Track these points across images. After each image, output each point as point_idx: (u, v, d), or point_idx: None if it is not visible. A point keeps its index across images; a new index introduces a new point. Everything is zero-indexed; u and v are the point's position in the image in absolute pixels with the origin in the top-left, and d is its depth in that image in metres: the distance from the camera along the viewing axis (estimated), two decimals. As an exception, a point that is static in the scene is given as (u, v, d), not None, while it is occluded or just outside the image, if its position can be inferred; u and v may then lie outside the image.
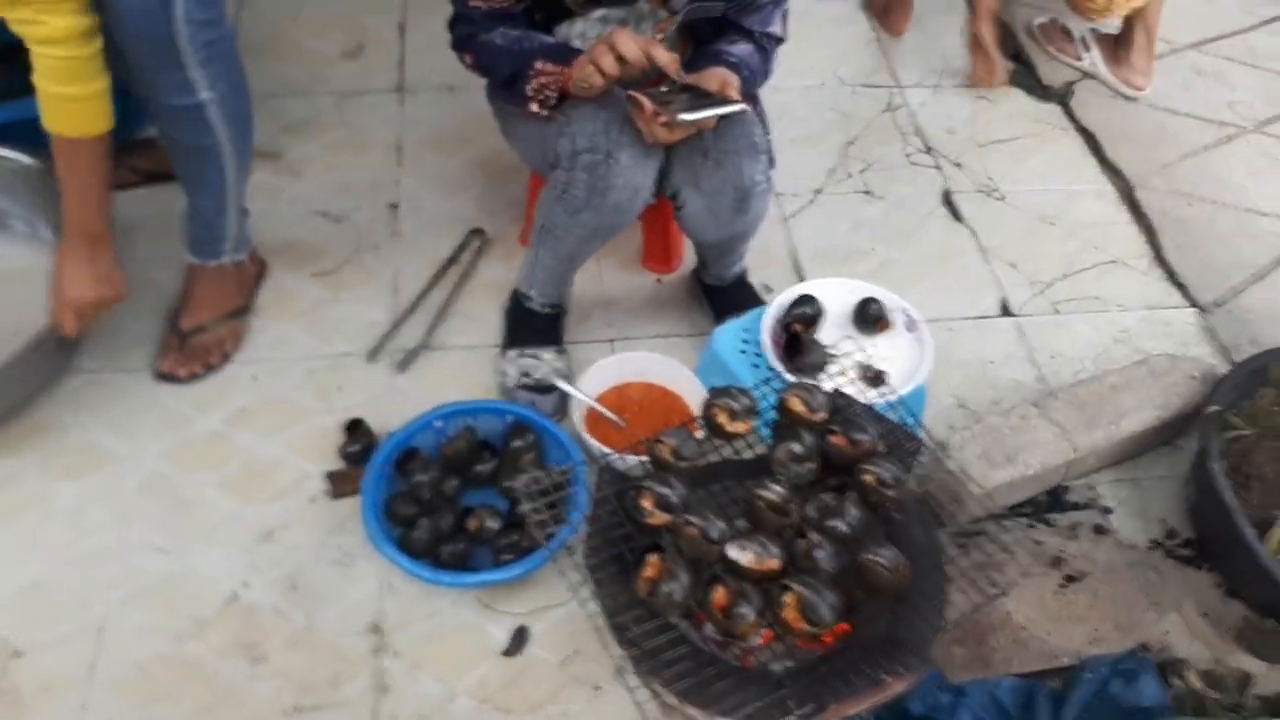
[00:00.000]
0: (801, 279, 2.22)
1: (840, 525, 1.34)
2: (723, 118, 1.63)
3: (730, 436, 1.45)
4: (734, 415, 1.44)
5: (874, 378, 1.82)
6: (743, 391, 1.46)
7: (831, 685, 1.29)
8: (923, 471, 1.90)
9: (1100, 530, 1.96)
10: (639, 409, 1.95)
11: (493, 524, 1.76)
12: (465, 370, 2.06)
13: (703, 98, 1.57)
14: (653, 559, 1.29)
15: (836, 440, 1.42)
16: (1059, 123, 2.79)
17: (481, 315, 2.14)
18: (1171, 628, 1.84)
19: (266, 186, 2.31)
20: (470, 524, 1.77)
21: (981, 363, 2.19)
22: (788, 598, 1.26)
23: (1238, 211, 2.61)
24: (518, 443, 1.84)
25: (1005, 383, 2.16)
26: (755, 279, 2.20)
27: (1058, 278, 2.39)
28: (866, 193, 2.52)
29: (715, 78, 1.60)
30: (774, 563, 1.30)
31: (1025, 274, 2.39)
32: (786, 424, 1.47)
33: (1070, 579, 1.88)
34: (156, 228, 2.16)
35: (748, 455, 1.52)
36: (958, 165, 2.62)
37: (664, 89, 1.60)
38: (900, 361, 1.87)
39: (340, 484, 1.85)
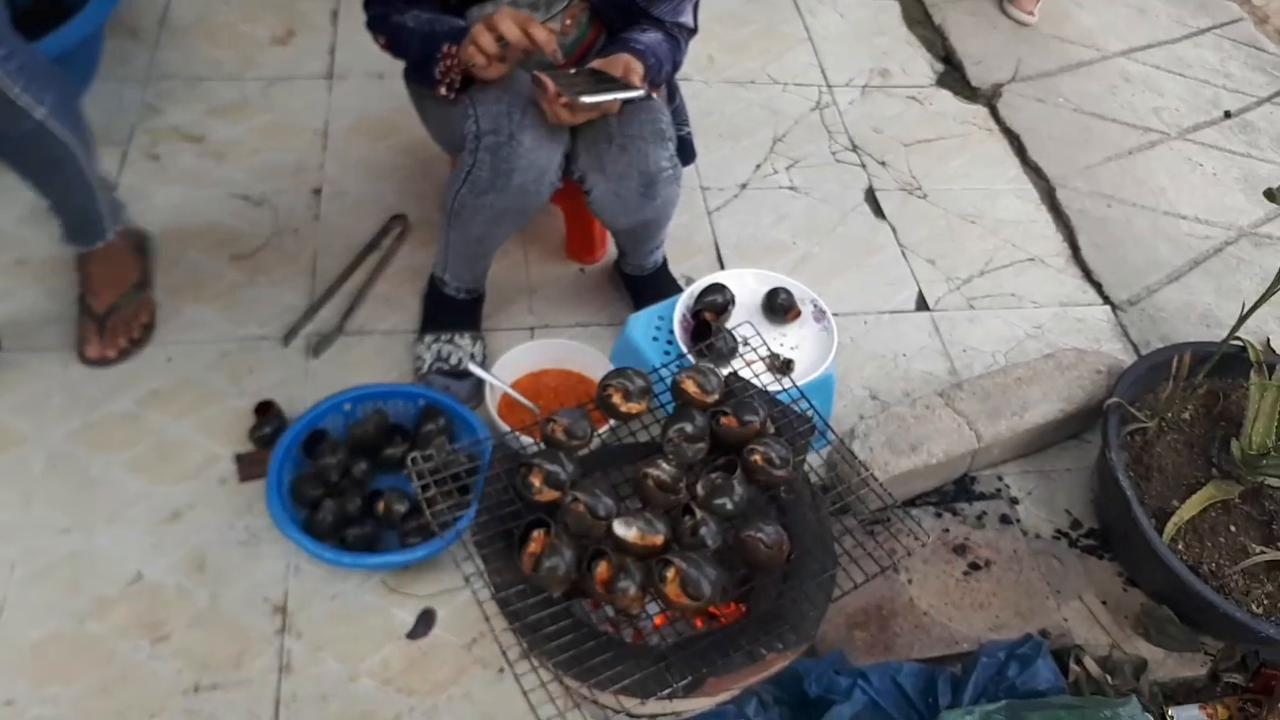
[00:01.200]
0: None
1: (726, 503, 1.36)
2: (628, 103, 1.64)
3: (625, 417, 1.46)
4: (628, 395, 1.45)
5: (782, 365, 1.85)
6: (638, 373, 1.48)
7: (710, 659, 1.30)
8: (832, 459, 1.93)
9: (1006, 520, 1.99)
10: (554, 395, 1.96)
11: (400, 507, 1.77)
12: (381, 355, 2.06)
13: (607, 82, 1.59)
14: (537, 534, 1.30)
15: (727, 421, 1.44)
16: (984, 124, 2.84)
17: (400, 300, 2.14)
18: (1071, 615, 1.88)
19: (189, 169, 2.31)
20: (378, 507, 1.77)
21: (895, 355, 2.22)
22: (669, 572, 1.27)
23: (1156, 214, 2.66)
24: (429, 426, 1.84)
25: (918, 375, 2.19)
26: (677, 270, 2.22)
27: (975, 274, 2.43)
28: (791, 188, 2.55)
29: (619, 63, 1.62)
30: (658, 538, 1.31)
31: (943, 270, 2.43)
32: (680, 405, 1.49)
33: (975, 566, 1.92)
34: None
35: (644, 438, 1.53)
36: (882, 163, 2.66)
37: (572, 71, 1.61)
38: (808, 350, 1.89)
39: (249, 466, 1.84)
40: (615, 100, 1.58)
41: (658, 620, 1.38)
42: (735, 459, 1.41)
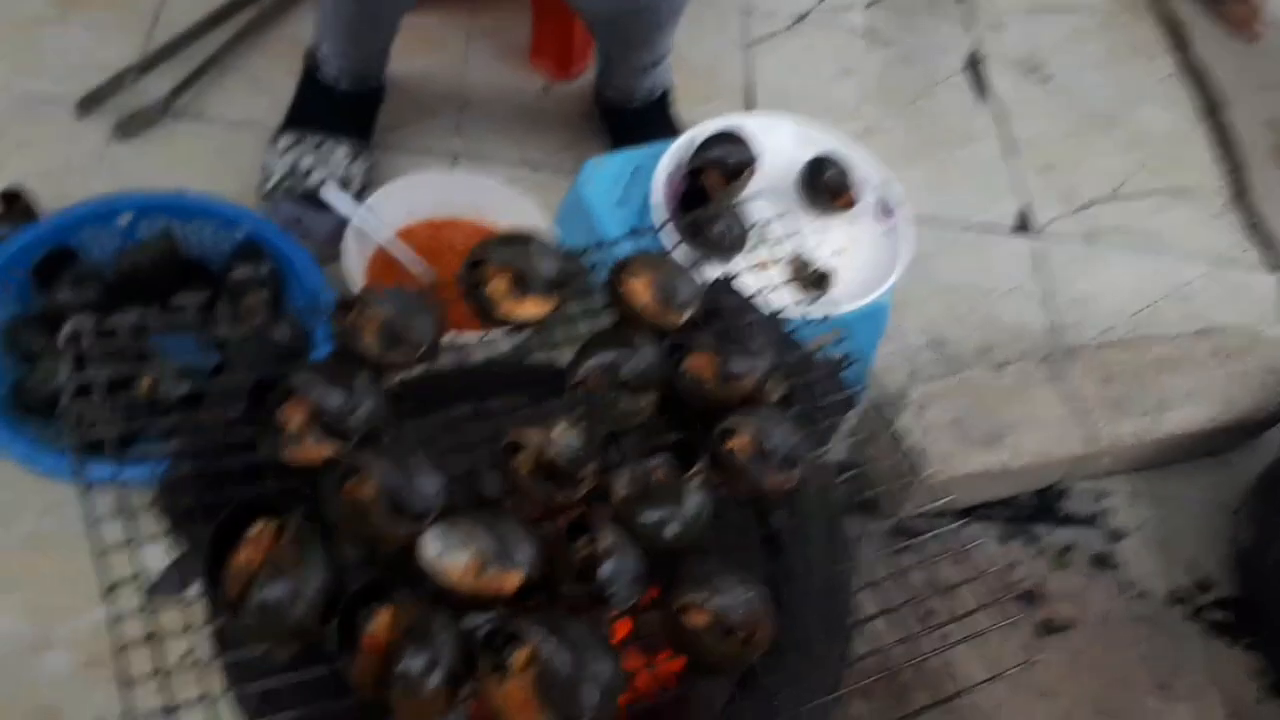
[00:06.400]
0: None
1: (664, 520, 0.70)
2: None
3: (506, 322, 0.78)
4: (523, 283, 0.77)
5: (812, 278, 1.17)
6: (549, 247, 0.79)
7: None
8: (862, 431, 1.26)
9: (1102, 562, 1.35)
10: (459, 259, 1.27)
11: (175, 389, 1.11)
12: (222, 154, 1.39)
13: None
14: (260, 528, 0.64)
15: (696, 364, 0.76)
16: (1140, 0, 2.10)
17: (270, 82, 1.47)
18: (1181, 723, 1.25)
19: None
20: (141, 383, 1.11)
21: (976, 291, 1.55)
22: (518, 656, 0.62)
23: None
24: (243, 271, 1.18)
25: (1004, 325, 1.52)
26: (688, 114, 1.53)
27: (1102, 197, 1.75)
28: (869, 33, 1.83)
29: None
30: (513, 578, 0.65)
31: (1058, 184, 1.74)
32: (619, 321, 0.81)
33: (1048, 628, 1.28)
34: None
35: (540, 362, 0.85)
36: (996, 27, 1.93)
37: None
38: (859, 260, 1.21)
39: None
40: None
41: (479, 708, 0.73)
42: (699, 438, 0.74)
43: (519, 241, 0.79)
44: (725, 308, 0.84)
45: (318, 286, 1.16)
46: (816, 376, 0.84)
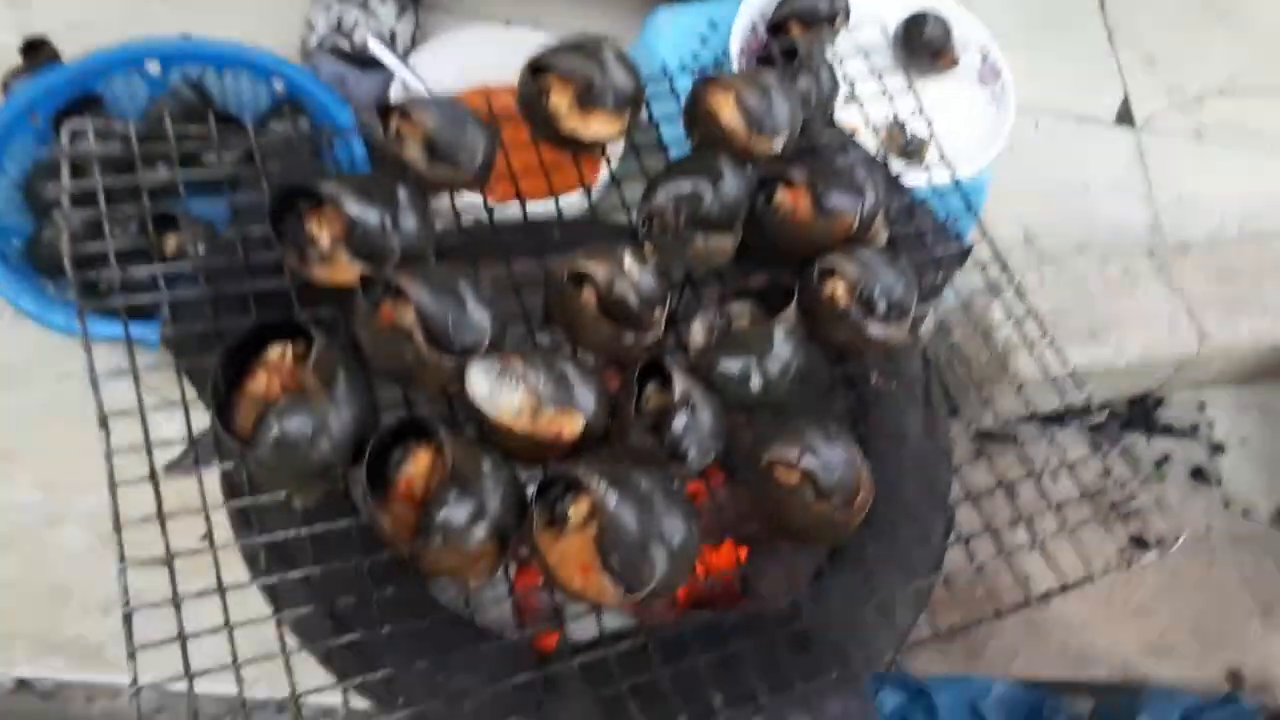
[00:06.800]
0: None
1: (747, 371, 0.60)
2: None
3: (570, 141, 0.68)
4: (588, 98, 0.67)
5: (908, 143, 1.06)
6: (626, 61, 0.69)
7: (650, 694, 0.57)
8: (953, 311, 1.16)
9: (1200, 476, 1.24)
10: (515, 125, 1.18)
11: (202, 248, 1.03)
12: (261, 14, 1.28)
13: None
14: (283, 350, 0.55)
15: (790, 198, 0.66)
16: (1259, -117, 1.92)
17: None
18: (1281, 653, 1.15)
19: None
20: (165, 242, 1.03)
21: (1074, 185, 1.41)
22: (577, 510, 0.53)
23: None
24: (278, 126, 1.08)
25: (1103, 220, 1.38)
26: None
27: (1211, 91, 1.59)
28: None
29: None
30: (573, 422, 0.56)
31: (1165, 75, 1.58)
32: (699, 145, 0.71)
33: (1139, 543, 1.17)
34: None
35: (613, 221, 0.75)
36: (1101, -96, 1.77)
37: None
38: (958, 128, 1.09)
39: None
40: None
41: (523, 578, 0.64)
42: (791, 281, 0.64)
43: (587, 48, 0.68)
44: (821, 144, 0.73)
45: (360, 149, 1.06)
46: (925, 226, 0.73)
